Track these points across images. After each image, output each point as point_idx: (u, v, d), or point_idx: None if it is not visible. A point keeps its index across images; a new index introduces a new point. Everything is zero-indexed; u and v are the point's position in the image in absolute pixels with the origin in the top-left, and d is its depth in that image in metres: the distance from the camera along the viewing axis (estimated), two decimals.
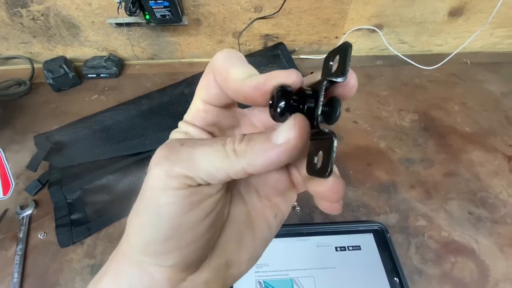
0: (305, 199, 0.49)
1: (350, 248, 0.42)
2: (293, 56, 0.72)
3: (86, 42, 0.73)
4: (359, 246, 0.42)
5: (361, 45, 0.76)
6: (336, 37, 0.74)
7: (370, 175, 0.52)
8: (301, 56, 0.77)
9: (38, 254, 0.45)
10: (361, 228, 0.44)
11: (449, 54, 0.74)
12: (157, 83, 0.71)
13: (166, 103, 0.61)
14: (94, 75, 0.72)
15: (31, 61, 0.74)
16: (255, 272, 0.40)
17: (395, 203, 0.49)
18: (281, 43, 0.71)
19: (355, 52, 0.78)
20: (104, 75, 0.72)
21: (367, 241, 0.43)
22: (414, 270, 0.41)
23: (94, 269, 0.43)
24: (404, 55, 0.74)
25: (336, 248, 0.42)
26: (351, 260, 0.41)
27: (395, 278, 0.39)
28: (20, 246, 0.45)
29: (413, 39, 0.75)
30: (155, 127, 0.58)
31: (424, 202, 0.49)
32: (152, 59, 0.77)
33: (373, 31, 0.72)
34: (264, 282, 0.39)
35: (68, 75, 0.68)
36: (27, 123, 0.64)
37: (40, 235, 0.46)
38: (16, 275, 0.42)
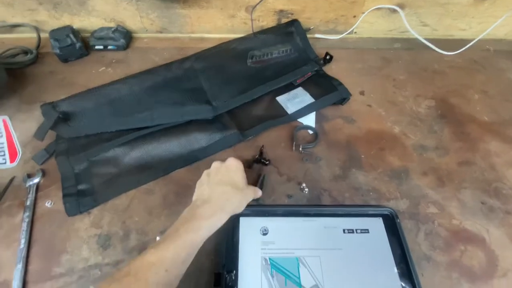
0: (313, 181, 0.48)
1: (358, 231, 0.42)
2: (308, 35, 0.69)
3: (93, 11, 0.70)
4: (367, 230, 0.42)
5: (380, 26, 0.72)
6: (354, 16, 0.70)
7: (382, 160, 0.51)
8: (316, 35, 0.74)
9: (45, 222, 0.45)
10: (370, 212, 0.43)
11: (472, 40, 0.70)
12: (166, 57, 0.69)
13: (176, 78, 0.59)
14: (102, 47, 0.70)
15: (37, 29, 0.72)
16: (261, 249, 0.40)
17: (406, 189, 0.47)
18: (296, 20, 0.68)
19: (373, 33, 0.74)
20: (112, 47, 0.70)
21: (376, 225, 0.42)
22: (422, 256, 0.41)
23: (101, 239, 0.43)
24: (425, 39, 0.70)
25: (344, 230, 0.42)
26: (359, 242, 0.40)
27: (402, 263, 0.39)
28: (27, 214, 0.45)
29: (435, 22, 0.71)
30: (163, 101, 0.56)
31: (436, 190, 0.47)
32: (160, 32, 0.75)
33: (394, 11, 0.68)
34: (270, 259, 0.39)
35: (75, 45, 0.66)
36: (33, 92, 0.63)
37: (47, 203, 0.46)
38: (22, 241, 0.43)
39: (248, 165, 0.49)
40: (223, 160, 0.43)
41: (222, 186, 0.38)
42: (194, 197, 0.40)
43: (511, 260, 0.41)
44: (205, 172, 0.42)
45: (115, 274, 0.30)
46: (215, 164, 0.42)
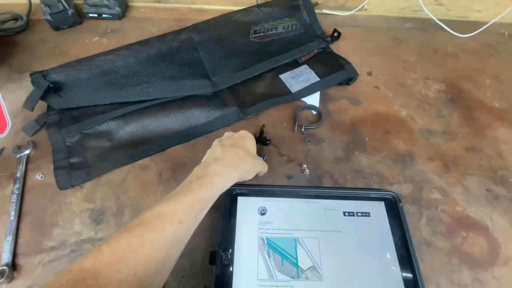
0: (314, 163, 0.47)
1: (359, 214, 0.40)
2: (315, 10, 0.65)
3: None
4: (368, 213, 0.40)
5: (392, 4, 0.68)
6: None
7: (387, 143, 0.49)
8: (324, 11, 0.69)
9: (36, 195, 0.43)
10: (372, 196, 0.42)
11: (487, 23, 0.66)
12: (164, 29, 0.65)
13: (173, 50, 0.56)
14: (96, 15, 0.66)
15: None
16: (258, 228, 0.38)
17: (410, 174, 0.46)
18: None
19: (384, 11, 0.70)
20: (106, 15, 0.66)
21: (378, 208, 0.41)
22: (423, 242, 0.40)
23: (94, 213, 0.42)
24: (438, 19, 0.66)
25: (344, 213, 0.40)
26: (359, 225, 0.39)
27: (402, 248, 0.38)
28: (17, 185, 0.44)
29: (451, 1, 0.67)
30: (160, 74, 0.53)
31: (441, 176, 0.46)
32: (159, 2, 0.70)
33: None
34: (267, 239, 0.38)
35: (67, 12, 0.62)
36: (24, 61, 0.60)
37: (38, 176, 0.45)
38: (12, 213, 0.41)
39: None
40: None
41: (235, 148, 0.38)
42: (204, 158, 0.40)
43: None
44: (216, 140, 0.42)
45: (127, 225, 0.29)
46: (228, 133, 0.43)
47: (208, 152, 0.40)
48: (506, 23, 0.69)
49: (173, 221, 0.29)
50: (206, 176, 0.34)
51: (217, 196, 0.34)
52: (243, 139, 0.41)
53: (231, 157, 0.37)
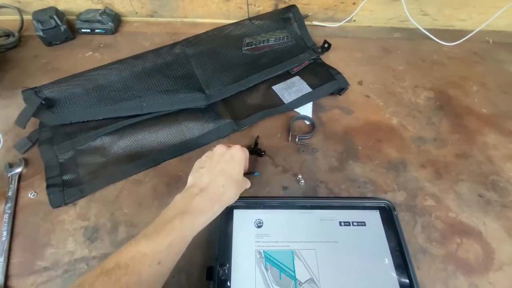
0: (309, 173, 0.47)
1: (355, 223, 0.41)
2: (306, 22, 0.66)
3: None
4: (364, 222, 0.41)
5: (380, 14, 0.70)
6: (354, 3, 0.68)
7: (379, 152, 0.50)
8: (314, 23, 0.71)
9: (29, 214, 0.43)
10: (367, 205, 0.42)
11: (472, 31, 0.69)
12: (157, 43, 0.66)
13: (166, 64, 0.56)
14: (88, 30, 0.66)
15: (20, 11, 0.68)
16: (255, 242, 0.38)
17: (403, 182, 0.46)
18: (294, 6, 0.65)
19: (372, 21, 0.72)
20: (99, 30, 0.66)
21: (373, 217, 0.41)
22: (419, 249, 0.40)
23: (88, 231, 0.41)
24: (425, 29, 0.68)
25: (340, 222, 0.41)
26: (355, 235, 0.40)
27: (399, 256, 0.38)
28: (9, 205, 0.43)
29: (436, 11, 0.70)
30: (153, 88, 0.53)
31: (434, 182, 0.47)
32: (151, 16, 0.71)
33: None
34: (264, 252, 0.37)
35: (60, 28, 0.63)
36: (16, 77, 0.60)
37: (31, 194, 0.44)
38: (4, 233, 0.40)
39: None
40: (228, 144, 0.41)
41: (222, 177, 0.36)
42: (190, 180, 0.38)
43: (507, 254, 0.40)
44: (208, 153, 0.40)
45: (103, 265, 0.28)
46: (220, 149, 0.39)
47: (195, 173, 0.38)
48: (491, 31, 0.72)
49: (153, 262, 0.28)
50: (189, 213, 0.32)
51: (197, 232, 0.33)
52: (234, 162, 0.38)
53: (217, 189, 0.35)
